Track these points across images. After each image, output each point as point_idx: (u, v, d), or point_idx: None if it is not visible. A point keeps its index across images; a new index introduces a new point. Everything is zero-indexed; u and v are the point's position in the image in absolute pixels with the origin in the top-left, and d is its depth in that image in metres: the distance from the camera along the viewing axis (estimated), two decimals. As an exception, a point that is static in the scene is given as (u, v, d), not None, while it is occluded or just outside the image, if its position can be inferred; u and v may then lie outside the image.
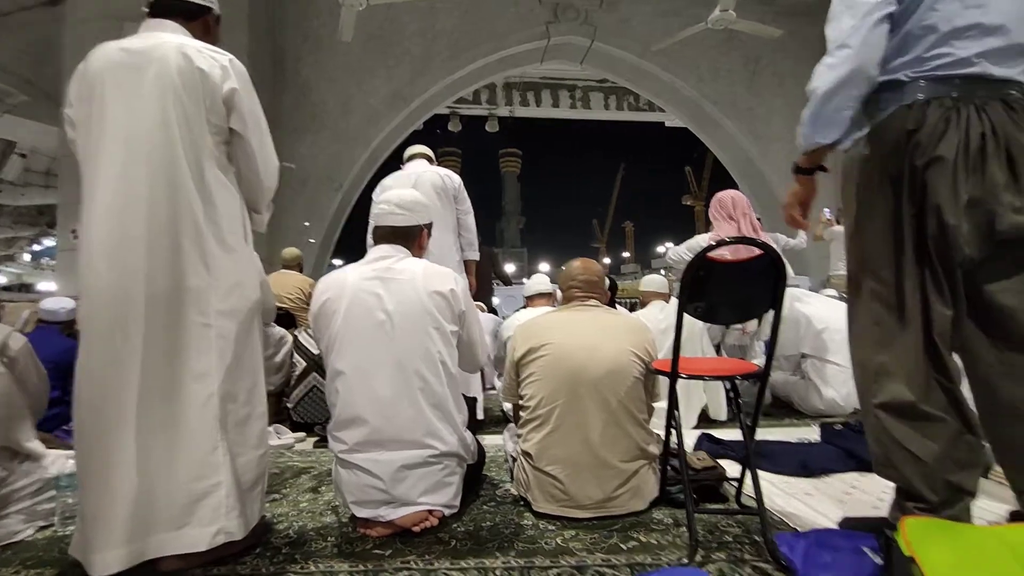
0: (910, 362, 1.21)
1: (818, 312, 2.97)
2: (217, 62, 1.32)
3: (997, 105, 1.17)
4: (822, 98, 1.23)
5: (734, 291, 1.41)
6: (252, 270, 1.39)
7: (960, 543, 0.96)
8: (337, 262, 7.78)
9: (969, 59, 1.17)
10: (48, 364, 1.77)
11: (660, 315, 2.82)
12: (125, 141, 1.25)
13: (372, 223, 1.73)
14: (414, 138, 7.01)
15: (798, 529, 1.46)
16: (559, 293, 1.92)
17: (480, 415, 2.78)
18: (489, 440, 2.43)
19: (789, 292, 3.16)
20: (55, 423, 2.25)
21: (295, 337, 2.85)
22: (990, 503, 1.57)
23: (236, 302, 1.32)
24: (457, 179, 2.80)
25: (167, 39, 1.31)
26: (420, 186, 2.67)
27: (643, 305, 3.07)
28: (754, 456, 1.43)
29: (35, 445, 1.58)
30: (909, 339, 1.21)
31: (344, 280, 1.53)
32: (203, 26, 1.42)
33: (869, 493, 1.76)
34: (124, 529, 1.16)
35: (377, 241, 1.65)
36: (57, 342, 2.48)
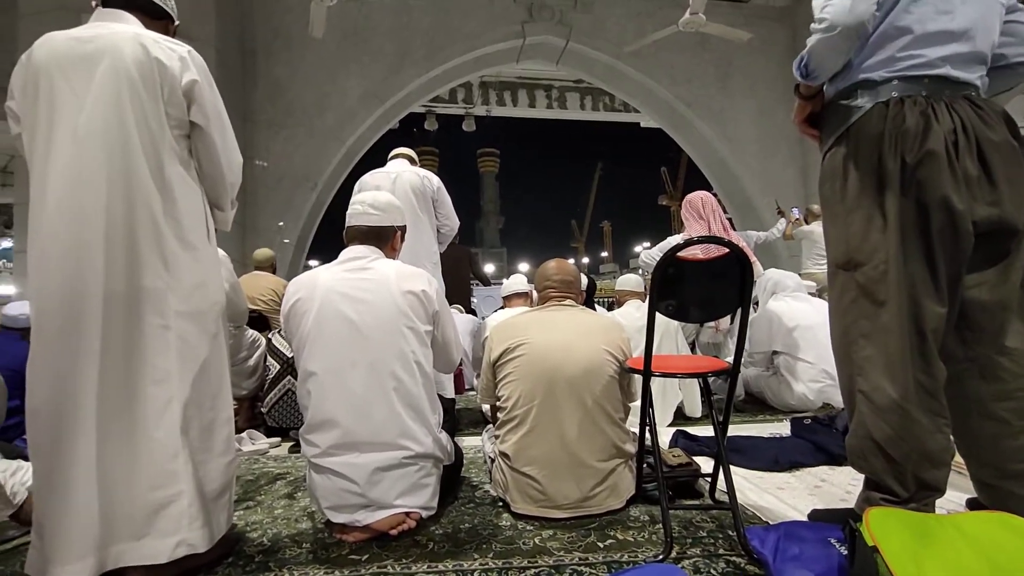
0: (894, 359, 1.21)
1: (789, 309, 3.04)
2: (176, 53, 1.26)
3: (964, 103, 1.22)
4: (815, 47, 1.28)
5: (702, 289, 1.43)
6: (216, 270, 1.35)
7: (920, 533, 0.99)
8: (313, 263, 7.65)
9: (935, 61, 1.23)
10: (7, 372, 1.69)
11: (636, 313, 2.86)
12: (77, 136, 1.19)
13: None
14: (390, 137, 6.96)
15: (769, 522, 1.49)
16: (535, 294, 1.92)
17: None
18: (468, 441, 2.42)
19: (768, 285, 3.21)
20: (16, 432, 2.15)
21: (268, 340, 2.79)
22: (950, 492, 1.63)
23: (198, 303, 1.27)
24: (436, 180, 2.78)
25: (121, 29, 1.25)
26: (398, 185, 2.65)
27: (619, 304, 3.10)
28: (727, 451, 1.46)
29: None
30: (894, 335, 1.22)
31: (316, 280, 1.50)
32: (162, 30, 1.36)
33: (838, 486, 1.82)
34: (89, 540, 1.12)
35: (350, 241, 1.63)
36: (17, 349, 2.38)
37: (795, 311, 3.01)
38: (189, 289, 1.25)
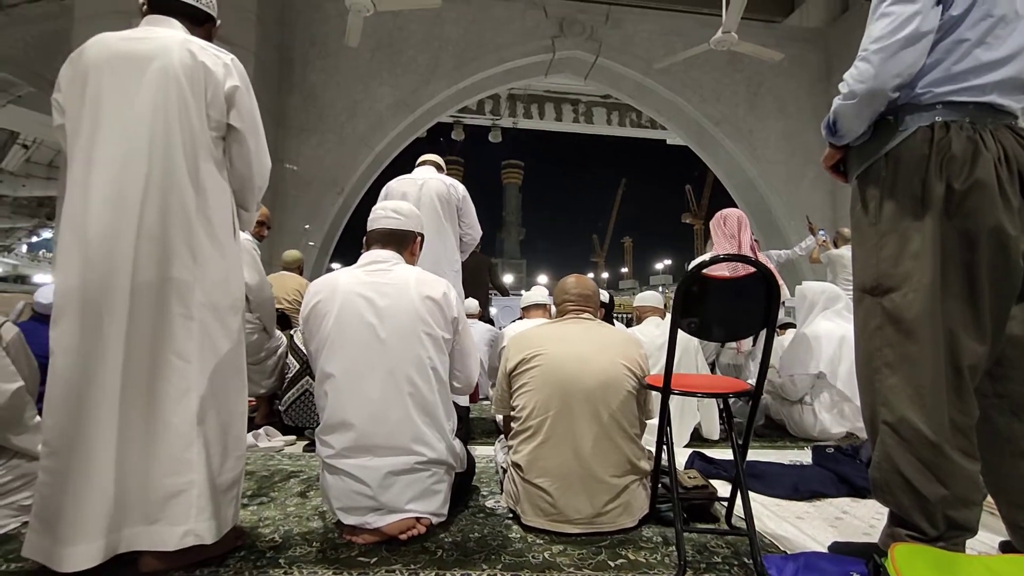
0: (925, 393, 1.16)
1: (838, 329, 2.85)
2: (220, 60, 1.34)
3: (1007, 132, 1.19)
4: (839, 111, 1.30)
5: (726, 308, 1.41)
6: (238, 267, 1.39)
7: (949, 572, 0.95)
8: (336, 265, 7.78)
9: (984, 87, 1.20)
10: (41, 358, 1.74)
11: (656, 331, 2.82)
12: (123, 132, 1.25)
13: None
14: (417, 145, 7.08)
15: (788, 552, 1.45)
16: (554, 308, 1.92)
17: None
18: (480, 451, 2.41)
19: (822, 299, 3.03)
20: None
21: (290, 338, 2.83)
22: (982, 533, 1.55)
23: (221, 297, 1.31)
24: (462, 189, 2.81)
25: (170, 34, 1.32)
26: (424, 192, 2.68)
27: (639, 320, 3.07)
28: (745, 477, 1.43)
29: (23, 441, 1.50)
30: (925, 368, 1.17)
31: (336, 282, 1.53)
32: (204, 34, 1.43)
33: (861, 519, 1.75)
34: (101, 522, 1.14)
35: (370, 244, 1.65)
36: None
37: (846, 333, 2.75)
38: (214, 283, 1.29)
